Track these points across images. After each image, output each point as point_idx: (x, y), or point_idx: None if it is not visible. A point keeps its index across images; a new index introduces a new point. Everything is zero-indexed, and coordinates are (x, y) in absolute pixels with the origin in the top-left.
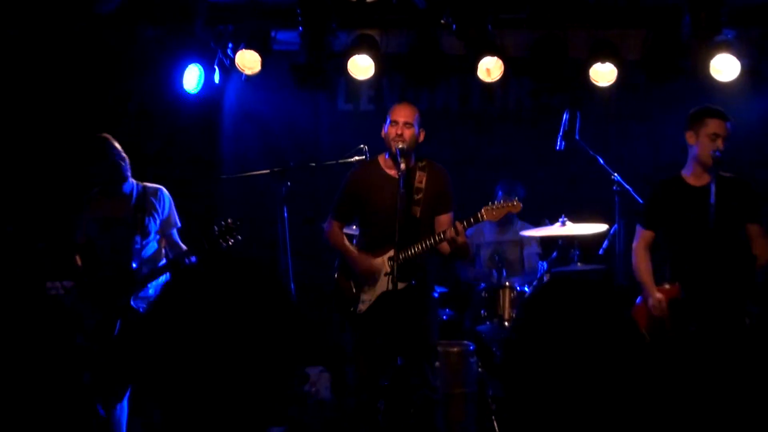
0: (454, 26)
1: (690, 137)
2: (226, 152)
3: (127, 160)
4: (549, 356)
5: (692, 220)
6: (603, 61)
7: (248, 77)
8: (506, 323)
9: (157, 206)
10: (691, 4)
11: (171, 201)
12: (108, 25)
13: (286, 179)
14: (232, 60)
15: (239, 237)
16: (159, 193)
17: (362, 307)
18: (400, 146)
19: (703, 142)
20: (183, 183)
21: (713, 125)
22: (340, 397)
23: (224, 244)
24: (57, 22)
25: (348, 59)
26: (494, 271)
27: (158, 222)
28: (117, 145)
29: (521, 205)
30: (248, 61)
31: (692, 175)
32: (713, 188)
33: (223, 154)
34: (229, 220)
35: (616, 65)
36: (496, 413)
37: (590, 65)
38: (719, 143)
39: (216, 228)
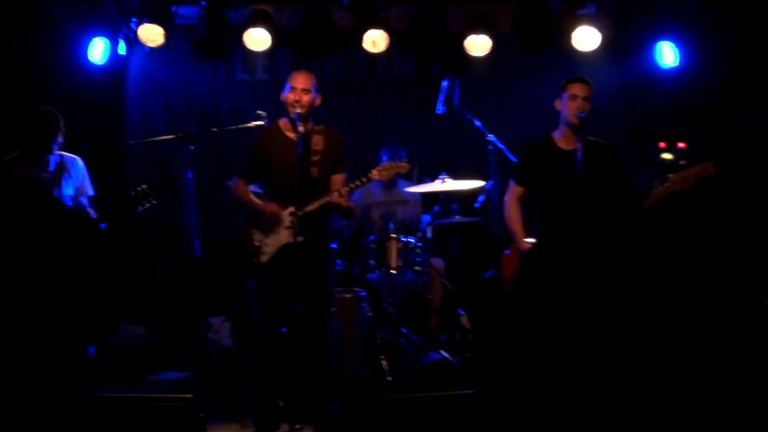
0: (345, 1)
1: (558, 104)
2: (132, 120)
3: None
4: None
5: (561, 179)
6: (478, 33)
7: (151, 49)
8: (393, 271)
9: (73, 174)
10: None
11: (86, 170)
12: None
13: (188, 144)
14: (136, 33)
15: (155, 201)
16: (75, 162)
17: (264, 258)
18: (299, 111)
19: (568, 105)
20: (92, 148)
21: (573, 88)
22: (241, 344)
23: (141, 208)
24: None
25: (244, 32)
26: (390, 224)
27: (73, 189)
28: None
29: (408, 166)
30: (151, 35)
31: (562, 138)
32: (580, 149)
33: (129, 121)
34: (144, 186)
35: (490, 37)
36: (385, 353)
37: (466, 37)
38: (581, 103)
39: (133, 193)
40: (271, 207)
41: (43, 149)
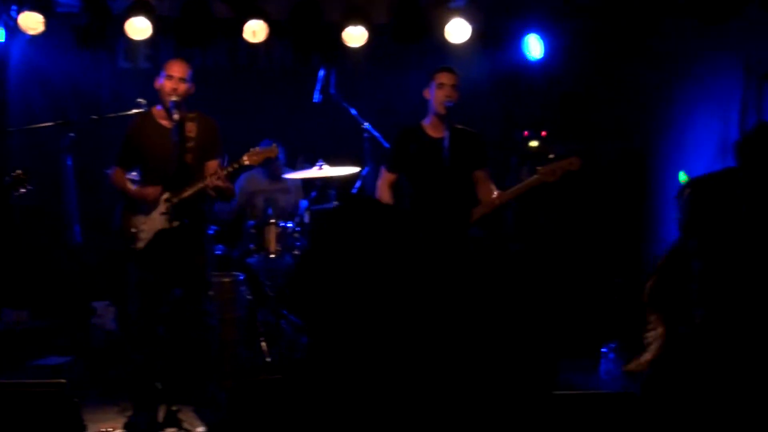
0: None
1: (426, 93)
2: (13, 107)
3: None
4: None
5: (428, 165)
6: (354, 25)
7: (32, 37)
8: (272, 255)
9: None
10: None
11: None
12: None
13: (69, 131)
14: (16, 21)
15: (30, 187)
16: None
17: (140, 244)
18: (174, 99)
19: (436, 93)
20: None
21: (441, 77)
22: (124, 328)
23: (15, 194)
24: None
25: (126, 21)
26: (269, 210)
27: None
28: None
29: (278, 149)
30: (32, 22)
31: (430, 126)
32: (447, 136)
33: (9, 109)
34: (19, 172)
35: (366, 28)
36: (265, 335)
37: (343, 28)
38: (448, 92)
39: (8, 179)
40: (150, 190)
41: None
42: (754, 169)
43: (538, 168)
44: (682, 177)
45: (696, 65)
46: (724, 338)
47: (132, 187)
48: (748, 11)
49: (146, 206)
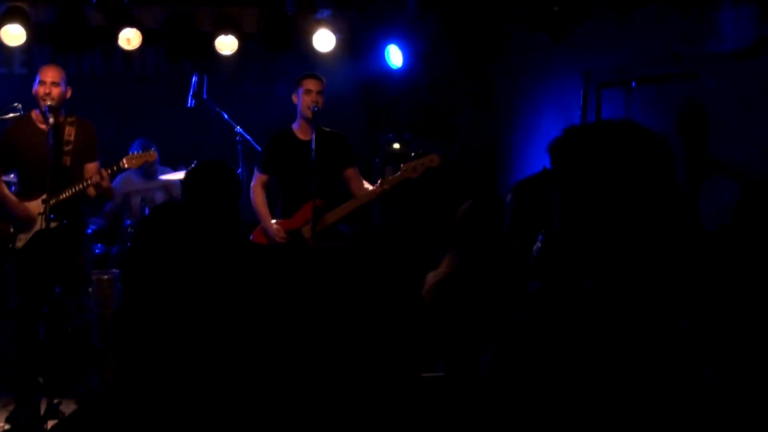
0: (94, 0)
1: (294, 98)
2: None
3: None
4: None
5: (298, 166)
6: (226, 34)
7: None
8: None
9: None
10: None
11: None
12: None
13: None
14: None
15: None
16: None
17: (19, 244)
18: (49, 103)
19: (303, 99)
20: None
21: (308, 84)
22: (3, 325)
23: None
24: None
25: (1, 28)
26: (146, 209)
27: None
28: None
29: (156, 154)
30: None
31: (299, 130)
32: (313, 139)
33: None
34: None
35: (237, 37)
36: None
37: (215, 37)
38: (315, 97)
39: None
40: (21, 207)
41: None
42: (565, 169)
43: (402, 165)
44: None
45: (542, 74)
46: None
47: (10, 195)
48: (585, 26)
49: (21, 210)
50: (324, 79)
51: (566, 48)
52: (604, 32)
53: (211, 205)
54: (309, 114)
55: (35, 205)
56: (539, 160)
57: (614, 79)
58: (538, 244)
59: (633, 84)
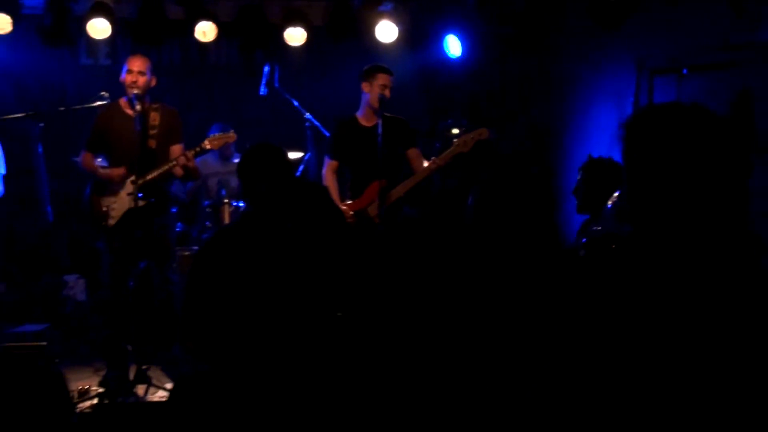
0: None
1: (365, 87)
2: None
3: None
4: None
5: (363, 151)
6: (294, 26)
7: (0, 36)
8: None
9: None
10: None
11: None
12: None
13: (38, 121)
14: None
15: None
16: None
17: (111, 222)
18: (135, 91)
19: (374, 90)
20: None
21: (382, 78)
22: (94, 297)
23: None
24: None
25: (87, 22)
26: (223, 191)
27: None
28: None
29: (236, 135)
30: None
31: (363, 117)
32: (380, 125)
33: None
34: None
35: (305, 29)
36: None
37: (285, 29)
38: (384, 89)
39: None
40: (116, 171)
41: None
42: (639, 146)
43: (454, 140)
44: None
45: (596, 62)
46: None
47: (102, 169)
48: (638, 16)
49: (114, 187)
50: (393, 73)
51: (619, 36)
52: (657, 21)
53: (264, 183)
54: (377, 104)
55: (125, 186)
56: (592, 145)
57: (666, 67)
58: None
59: (684, 71)
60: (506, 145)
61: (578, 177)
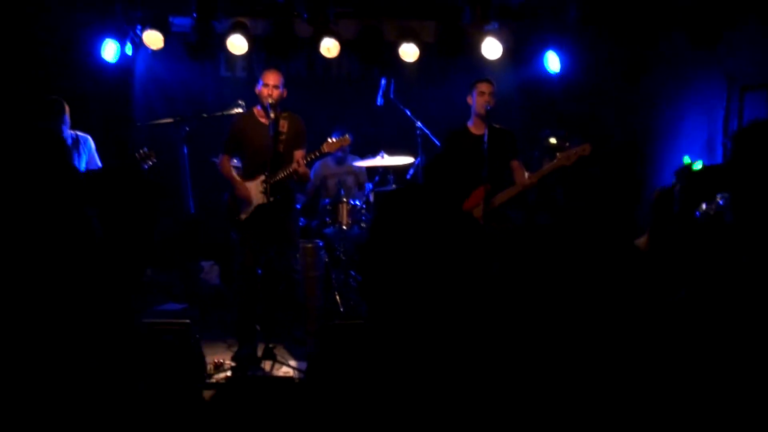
0: (305, 16)
1: (469, 99)
2: (137, 107)
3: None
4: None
5: (472, 157)
6: (408, 43)
7: (153, 51)
8: (344, 227)
9: (84, 149)
10: (470, 2)
11: (94, 147)
12: (45, 8)
13: (184, 126)
14: (141, 38)
15: (155, 160)
16: (87, 140)
17: (243, 216)
18: (270, 102)
19: (477, 100)
20: (104, 129)
21: (481, 86)
22: (227, 282)
23: (145, 165)
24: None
25: (227, 39)
26: (341, 191)
27: (85, 161)
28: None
29: (350, 139)
30: (152, 39)
31: (473, 126)
32: (486, 134)
33: (135, 108)
34: (145, 149)
35: (417, 46)
36: (338, 290)
37: (399, 45)
38: (487, 98)
39: (137, 154)
40: (243, 188)
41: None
42: (750, 157)
43: (558, 154)
44: (686, 159)
45: (687, 77)
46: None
47: (235, 177)
48: (730, 34)
49: (247, 187)
50: (494, 83)
51: (711, 52)
52: (749, 39)
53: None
54: (482, 112)
55: (255, 185)
56: (681, 158)
57: (758, 83)
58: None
59: None
60: (600, 155)
61: (673, 181)
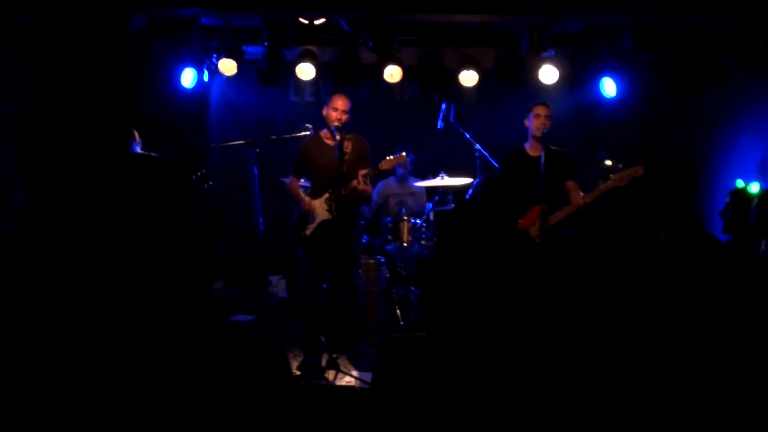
0: (370, 44)
1: (526, 121)
2: (213, 129)
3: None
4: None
5: (529, 178)
6: (468, 69)
7: (227, 78)
8: (405, 244)
9: None
10: (528, 30)
11: None
12: (133, 38)
13: (255, 147)
14: (216, 66)
15: (211, 182)
16: (156, 158)
17: (308, 232)
18: (337, 125)
19: (534, 122)
20: (182, 151)
21: (537, 109)
22: (293, 295)
23: (205, 186)
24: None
25: (296, 66)
26: (403, 210)
27: None
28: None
29: (406, 156)
30: (227, 67)
31: (530, 148)
32: (543, 156)
33: (210, 131)
34: (202, 171)
35: (477, 72)
36: (399, 304)
37: (459, 72)
38: (543, 121)
39: (194, 176)
40: (308, 204)
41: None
42: None
43: (611, 175)
44: (740, 183)
45: (741, 100)
46: None
47: (302, 196)
48: None
49: (310, 207)
50: (550, 106)
51: (764, 76)
52: None
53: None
54: (539, 134)
55: (320, 202)
56: (736, 176)
57: None
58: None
59: None
60: (655, 177)
61: (727, 200)
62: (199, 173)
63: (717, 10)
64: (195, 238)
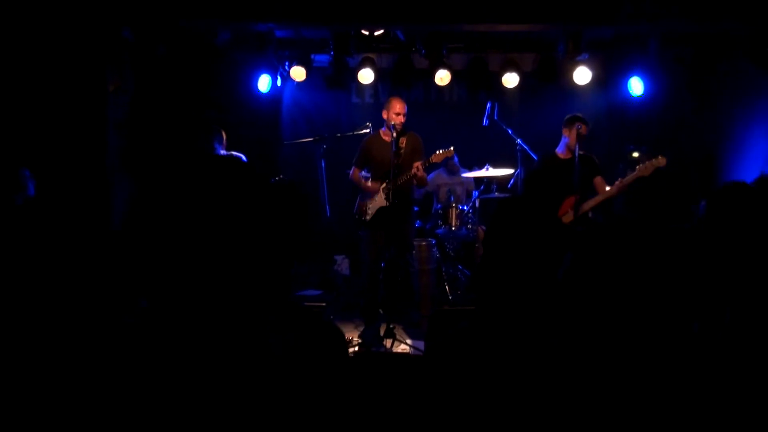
0: (423, 51)
1: (566, 132)
2: (285, 128)
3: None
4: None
5: (560, 180)
6: (510, 72)
7: (298, 83)
8: (453, 228)
9: None
10: (564, 36)
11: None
12: (218, 51)
13: (322, 144)
14: (288, 72)
15: (282, 176)
16: (241, 158)
17: (367, 217)
18: (395, 124)
19: (574, 136)
20: (259, 147)
21: (583, 129)
22: (355, 273)
23: (273, 179)
24: (192, 48)
25: (358, 71)
26: (451, 197)
27: None
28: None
29: (453, 151)
30: (297, 73)
31: (562, 153)
32: (577, 161)
33: (283, 129)
34: (280, 176)
35: (518, 74)
36: (447, 281)
37: (502, 75)
38: (583, 138)
39: (273, 180)
40: (372, 186)
41: (210, 149)
42: None
43: (637, 166)
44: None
45: (757, 94)
46: None
47: (364, 182)
48: None
49: (371, 193)
50: (590, 123)
51: None
52: None
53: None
54: (574, 146)
55: (379, 191)
56: (748, 167)
57: None
58: None
59: None
60: (677, 168)
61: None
62: (277, 178)
63: (735, 16)
64: (303, 237)
